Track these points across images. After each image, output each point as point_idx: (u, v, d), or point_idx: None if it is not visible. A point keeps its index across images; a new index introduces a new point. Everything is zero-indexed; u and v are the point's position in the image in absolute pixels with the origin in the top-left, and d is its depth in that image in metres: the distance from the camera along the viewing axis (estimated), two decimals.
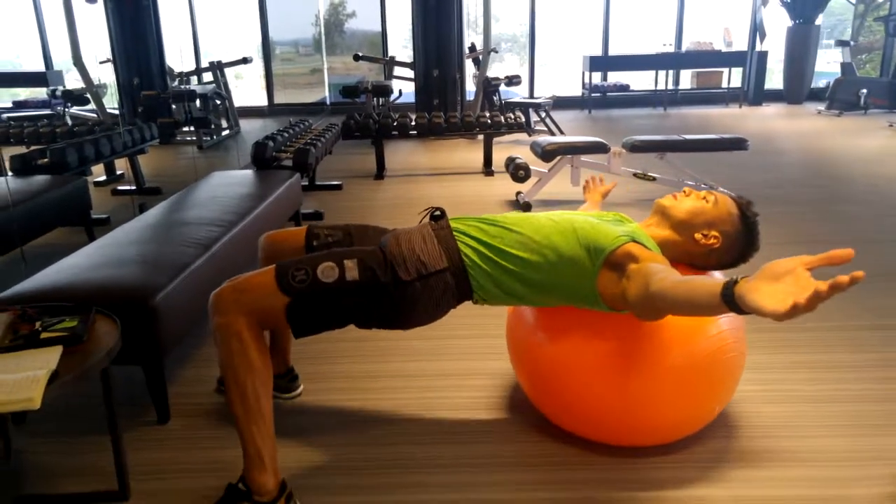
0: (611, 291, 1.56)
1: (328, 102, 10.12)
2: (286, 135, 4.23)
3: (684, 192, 1.81)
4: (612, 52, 10.76)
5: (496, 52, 8.17)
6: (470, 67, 8.29)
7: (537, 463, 1.78)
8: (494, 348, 2.34)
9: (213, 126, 6.85)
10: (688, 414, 1.76)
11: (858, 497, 1.60)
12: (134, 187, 4.89)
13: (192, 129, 6.79)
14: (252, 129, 8.59)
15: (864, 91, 9.07)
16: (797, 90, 10.46)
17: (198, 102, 6.61)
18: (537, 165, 4.54)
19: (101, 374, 1.59)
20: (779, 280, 1.05)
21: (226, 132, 7.37)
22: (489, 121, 5.42)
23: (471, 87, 8.18)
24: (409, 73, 7.95)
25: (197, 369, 2.32)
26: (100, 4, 5.85)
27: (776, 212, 4.19)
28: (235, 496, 1.54)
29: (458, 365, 2.31)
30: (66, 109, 7.07)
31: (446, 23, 7.30)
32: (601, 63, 10.37)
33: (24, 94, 6.09)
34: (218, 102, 7.13)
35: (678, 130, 7.94)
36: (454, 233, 1.70)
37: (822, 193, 4.66)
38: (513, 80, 7.48)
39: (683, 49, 10.68)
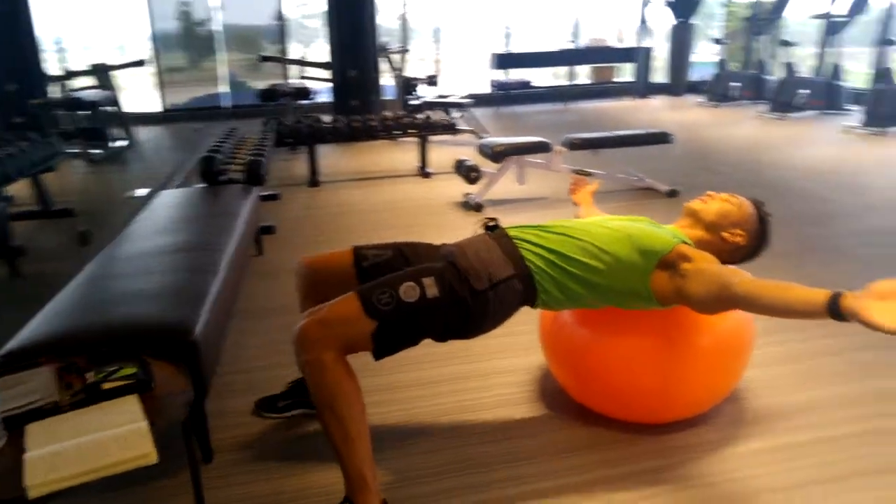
0: (663, 289, 1.72)
1: (228, 105, 9.67)
2: (227, 146, 4.03)
3: (709, 195, 1.99)
4: (513, 49, 11.11)
5: (408, 51, 8.19)
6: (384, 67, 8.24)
7: (585, 446, 1.95)
8: (512, 346, 2.48)
9: (105, 138, 6.32)
10: (715, 389, 2.01)
11: (847, 434, 1.95)
12: (38, 208, 4.42)
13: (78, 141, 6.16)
14: (150, 138, 8.08)
15: (737, 84, 9.96)
16: (679, 83, 11.29)
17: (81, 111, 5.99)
18: (484, 166, 4.63)
19: (183, 427, 1.50)
20: (885, 299, 1.23)
21: (119, 143, 6.82)
22: (423, 122, 5.45)
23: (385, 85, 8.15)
24: (320, 73, 7.78)
25: (222, 401, 2.21)
26: None
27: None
28: None
29: (481, 366, 2.41)
30: None
31: (361, 21, 7.22)
32: (507, 60, 10.66)
33: None
34: (109, 110, 6.60)
35: (579, 125, 8.36)
36: (514, 241, 1.80)
37: (727, 179, 5.15)
38: (432, 80, 7.54)
39: (582, 45, 11.25)
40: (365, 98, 7.00)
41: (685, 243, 1.76)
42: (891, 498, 1.73)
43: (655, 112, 9.65)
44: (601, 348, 1.96)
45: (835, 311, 1.30)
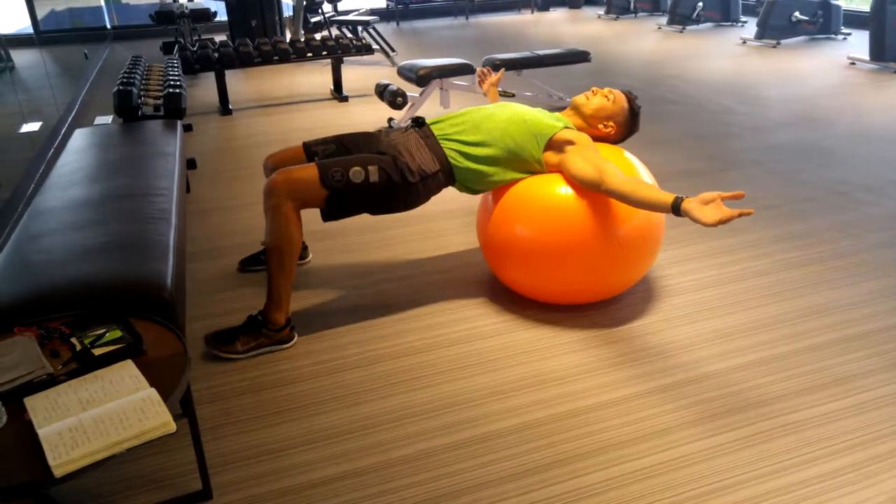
0: (550, 162, 2.22)
1: (108, 25, 8.78)
2: (137, 77, 3.72)
3: (592, 91, 2.39)
4: None
5: None
6: None
7: (531, 325, 2.17)
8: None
9: None
10: (630, 274, 2.29)
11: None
12: None
13: None
14: (31, 64, 7.24)
15: None
16: None
17: None
18: (408, 89, 4.55)
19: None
20: (707, 204, 1.74)
21: None
22: (336, 44, 5.23)
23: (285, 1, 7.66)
24: None
25: None
26: None
27: None
28: (255, 324, 2.16)
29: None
30: None
31: None
32: None
33: None
34: None
35: (482, 41, 8.30)
36: (439, 140, 2.28)
37: (642, 95, 5.33)
38: None
39: None
40: (264, 17, 6.55)
41: (569, 128, 2.23)
42: (834, 411, 1.99)
43: (556, 25, 9.70)
44: (529, 239, 2.20)
45: (676, 209, 1.80)
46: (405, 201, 2.23)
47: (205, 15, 6.06)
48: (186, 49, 4.79)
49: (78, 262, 1.80)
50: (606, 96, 2.35)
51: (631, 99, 2.39)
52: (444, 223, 3.16)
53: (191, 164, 3.85)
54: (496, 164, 2.24)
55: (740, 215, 1.68)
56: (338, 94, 5.42)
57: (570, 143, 2.18)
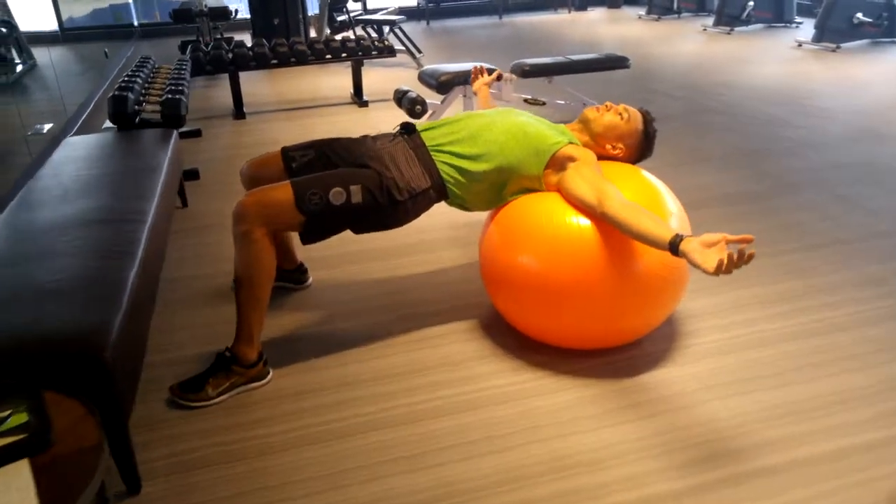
0: (550, 180, 1.98)
1: (135, 23, 8.65)
2: (139, 80, 3.47)
3: (605, 106, 2.11)
4: None
5: None
6: None
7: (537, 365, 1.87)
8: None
9: (8, 62, 5.52)
10: (643, 320, 1.99)
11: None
12: None
13: None
14: (49, 63, 7.11)
15: None
16: None
17: None
18: (428, 97, 4.23)
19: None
20: (709, 247, 1.49)
21: (19, 67, 5.99)
22: (357, 46, 4.93)
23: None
24: None
25: (147, 405, 1.88)
26: None
27: (674, 128, 4.34)
28: (224, 362, 1.91)
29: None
30: None
31: None
32: None
33: None
34: (3, 31, 5.73)
35: (516, 41, 7.93)
36: (431, 151, 2.02)
37: (686, 105, 4.91)
38: None
39: None
40: (287, 15, 6.29)
41: (573, 143, 1.99)
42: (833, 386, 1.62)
43: (593, 26, 9.28)
44: (537, 277, 1.91)
45: (674, 248, 1.56)
46: (392, 221, 2.01)
47: (224, 13, 5.82)
48: (199, 49, 4.54)
49: (5, 308, 1.51)
50: (621, 114, 2.09)
51: (647, 120, 2.13)
52: (435, 234, 2.87)
53: (193, 174, 3.59)
54: (493, 181, 2.01)
55: (744, 259, 1.41)
56: (358, 98, 5.12)
57: (572, 159, 1.95)
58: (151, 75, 3.77)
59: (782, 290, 2.41)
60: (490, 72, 3.49)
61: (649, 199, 1.91)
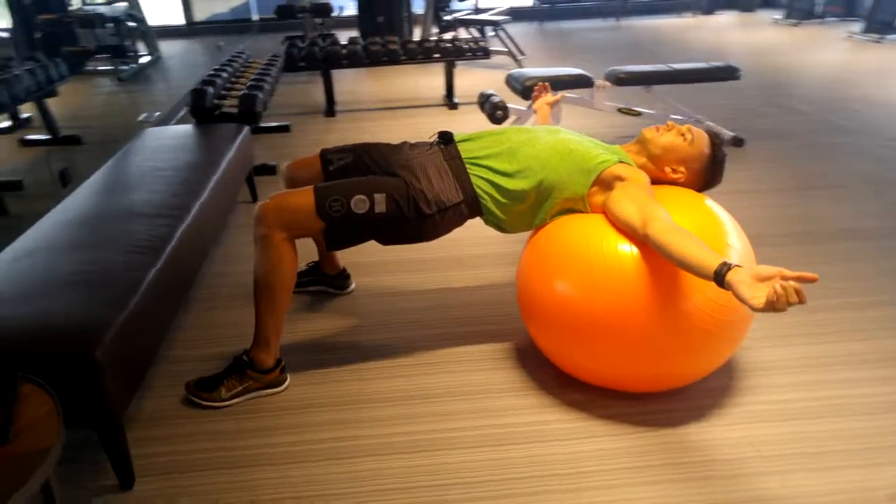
0: (596, 202, 1.81)
1: (255, 17, 9.08)
2: (224, 74, 3.58)
3: (667, 125, 1.93)
4: None
5: None
6: None
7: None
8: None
9: (131, 54, 5.94)
10: (692, 365, 1.76)
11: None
12: (48, 136, 4.14)
13: (105, 58, 5.86)
14: (175, 54, 7.63)
15: None
16: None
17: (108, 26, 5.68)
18: (513, 101, 4.07)
19: (43, 488, 1.16)
20: (762, 281, 1.28)
21: (145, 59, 6.45)
22: (450, 46, 4.85)
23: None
24: None
25: (156, 401, 1.89)
26: None
27: (773, 147, 3.93)
28: (240, 366, 1.88)
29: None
30: None
31: None
32: None
33: None
34: (132, 25, 6.18)
35: (631, 46, 7.54)
36: (466, 164, 1.89)
37: (810, 122, 4.42)
38: None
39: None
40: (392, 13, 6.32)
41: (623, 162, 1.81)
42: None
43: (720, 32, 8.66)
44: (578, 312, 1.71)
45: (720, 280, 1.36)
46: (418, 234, 1.89)
47: (325, 9, 5.93)
48: (294, 45, 4.64)
49: (17, 300, 1.55)
50: (683, 134, 1.90)
51: (715, 144, 1.91)
52: (482, 249, 2.74)
53: (269, 169, 3.65)
54: (532, 201, 1.86)
55: (801, 298, 1.21)
56: (448, 100, 5.04)
57: (620, 179, 1.78)
58: (241, 69, 3.87)
59: (884, 348, 2.05)
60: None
61: (705, 228, 1.68)
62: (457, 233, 1.98)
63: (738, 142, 3.99)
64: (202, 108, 3.12)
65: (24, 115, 4.38)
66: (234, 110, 3.24)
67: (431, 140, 2.02)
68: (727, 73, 4.05)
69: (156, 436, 1.76)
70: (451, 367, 2.02)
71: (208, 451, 1.71)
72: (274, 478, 1.61)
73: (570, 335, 1.78)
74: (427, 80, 5.97)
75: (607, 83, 3.97)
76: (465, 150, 1.93)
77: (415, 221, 1.84)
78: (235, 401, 1.87)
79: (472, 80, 5.88)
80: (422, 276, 2.57)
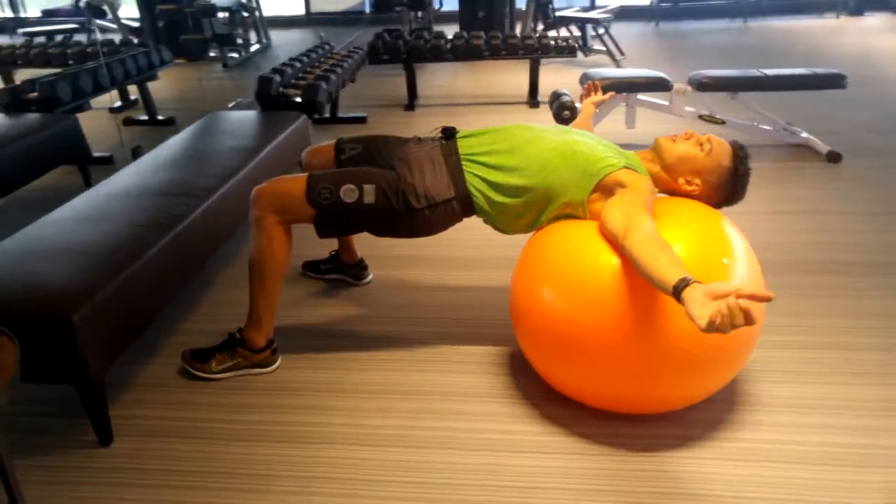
0: (595, 210, 1.72)
1: (367, 10, 9.38)
2: (298, 64, 3.74)
3: (685, 134, 1.84)
4: None
5: None
6: None
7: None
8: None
9: (238, 42, 6.33)
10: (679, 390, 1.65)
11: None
12: (146, 117, 4.54)
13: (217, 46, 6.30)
14: (286, 43, 8.04)
15: None
16: None
17: (222, 16, 6.10)
18: None
19: None
20: (715, 300, 1.18)
21: (255, 47, 6.87)
22: (536, 43, 4.76)
23: None
24: None
25: (152, 367, 2.02)
26: None
27: (876, 167, 3.52)
28: (232, 342, 1.95)
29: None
30: (93, 22, 6.68)
31: None
32: None
33: None
34: (245, 15, 6.59)
35: (750, 49, 7.01)
36: (462, 161, 1.86)
37: None
38: None
39: None
40: (493, 9, 6.29)
41: (629, 168, 1.73)
42: None
43: (867, 35, 7.82)
44: (569, 331, 1.62)
45: (676, 295, 1.28)
46: (408, 228, 1.88)
47: (420, 3, 5.99)
48: (381, 38, 4.75)
49: (18, 266, 1.71)
50: (701, 144, 1.78)
51: (738, 156, 1.76)
52: (492, 251, 2.67)
53: None
54: (528, 202, 1.79)
55: (750, 319, 1.11)
56: (531, 98, 4.96)
57: (622, 185, 1.69)
58: (318, 60, 4.02)
59: None
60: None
61: (693, 245, 1.56)
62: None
63: (833, 157, 3.61)
64: (267, 95, 3.27)
65: (133, 97, 4.82)
66: (299, 99, 3.38)
67: (433, 135, 2.01)
68: (830, 82, 3.68)
69: (146, 399, 1.88)
70: (439, 367, 2.00)
71: (185, 420, 1.80)
72: (235, 453, 1.67)
73: (552, 346, 1.70)
74: (518, 77, 5.89)
75: (688, 87, 3.74)
76: (465, 146, 1.90)
77: (404, 215, 1.83)
78: (224, 375, 1.96)
79: (562, 79, 5.73)
80: (436, 273, 2.55)
